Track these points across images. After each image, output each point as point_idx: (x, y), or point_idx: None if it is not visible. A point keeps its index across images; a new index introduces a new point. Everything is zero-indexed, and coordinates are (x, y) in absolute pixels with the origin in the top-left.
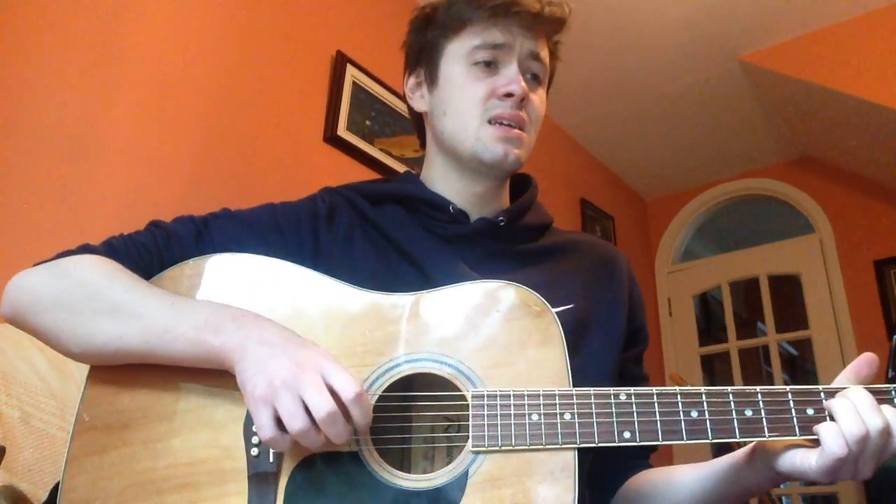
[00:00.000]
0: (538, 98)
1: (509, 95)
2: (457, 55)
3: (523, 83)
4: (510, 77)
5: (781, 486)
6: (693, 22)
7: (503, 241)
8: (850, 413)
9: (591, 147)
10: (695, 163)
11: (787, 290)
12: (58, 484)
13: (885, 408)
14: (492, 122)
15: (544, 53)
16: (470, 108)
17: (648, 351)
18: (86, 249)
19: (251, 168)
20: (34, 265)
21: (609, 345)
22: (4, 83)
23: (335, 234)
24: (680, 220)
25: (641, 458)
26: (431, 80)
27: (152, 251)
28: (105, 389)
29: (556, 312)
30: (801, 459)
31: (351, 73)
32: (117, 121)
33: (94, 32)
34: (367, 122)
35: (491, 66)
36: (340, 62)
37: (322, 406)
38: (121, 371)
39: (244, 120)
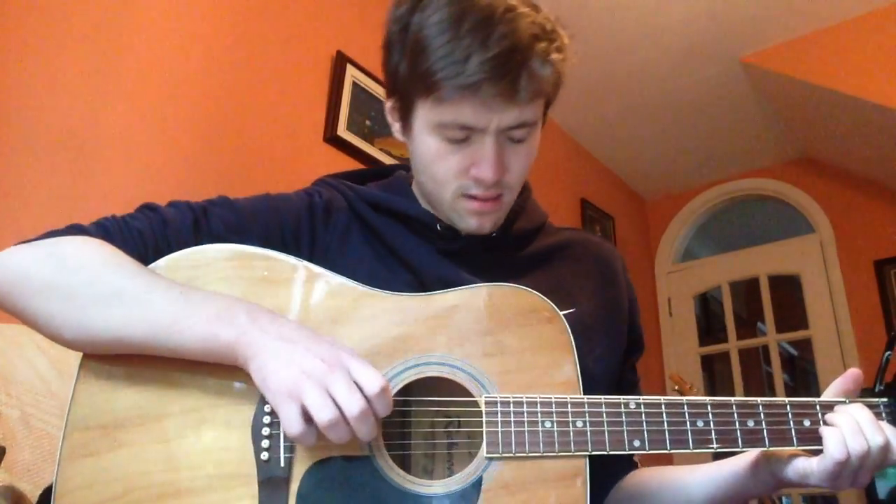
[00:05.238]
0: (520, 160)
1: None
2: (426, 121)
3: (496, 164)
4: (481, 158)
5: None
6: (693, 22)
7: (497, 251)
8: (853, 429)
9: (591, 147)
10: (695, 163)
11: (787, 290)
12: (50, 486)
13: (884, 424)
14: (466, 196)
15: (528, 117)
16: (443, 180)
17: (648, 351)
18: (76, 229)
19: (251, 168)
20: (18, 244)
21: (612, 349)
22: (4, 83)
23: (332, 229)
24: (680, 220)
25: (626, 460)
26: (405, 127)
27: (147, 237)
28: (99, 385)
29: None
30: (804, 466)
31: (351, 73)
32: (117, 121)
33: (93, 33)
34: (367, 122)
35: (463, 140)
36: (340, 62)
37: (354, 405)
38: (116, 365)
39: (244, 120)
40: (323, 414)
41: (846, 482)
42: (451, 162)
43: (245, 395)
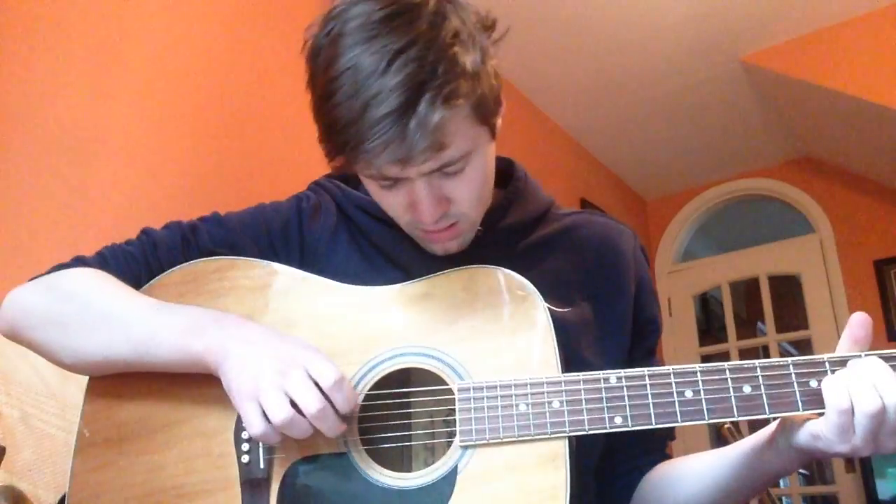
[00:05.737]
0: (463, 189)
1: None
2: (358, 168)
3: (431, 206)
4: (415, 201)
5: (781, 486)
6: (693, 22)
7: (491, 246)
8: (862, 381)
9: (591, 147)
10: (695, 163)
11: (787, 290)
12: (63, 499)
13: None
14: (419, 229)
15: (450, 157)
16: (393, 215)
17: None
18: (79, 262)
19: (251, 168)
20: (30, 280)
21: (614, 339)
22: (3, 84)
23: (319, 231)
24: (680, 220)
25: (655, 452)
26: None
27: (140, 261)
28: (103, 403)
29: (555, 315)
30: (814, 426)
31: None
32: (117, 122)
33: (93, 33)
34: None
35: (395, 184)
36: None
37: (312, 403)
38: (118, 383)
39: (244, 120)
40: (277, 414)
41: (864, 444)
42: (392, 202)
43: (226, 400)
